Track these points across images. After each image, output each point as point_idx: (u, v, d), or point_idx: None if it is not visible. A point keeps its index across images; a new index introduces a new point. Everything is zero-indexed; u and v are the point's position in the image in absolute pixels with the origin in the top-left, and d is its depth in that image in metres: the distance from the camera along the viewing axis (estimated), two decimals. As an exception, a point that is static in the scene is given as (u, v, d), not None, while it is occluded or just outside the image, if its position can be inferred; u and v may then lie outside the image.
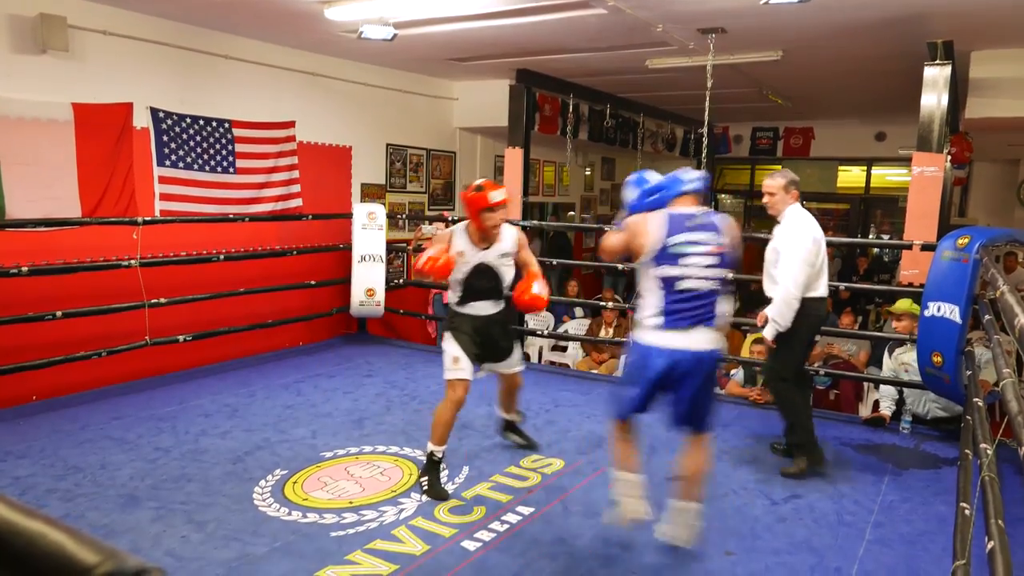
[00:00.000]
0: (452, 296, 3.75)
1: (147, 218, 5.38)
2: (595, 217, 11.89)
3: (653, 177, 3.18)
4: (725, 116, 10.81)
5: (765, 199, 4.16)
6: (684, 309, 2.89)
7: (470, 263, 3.63)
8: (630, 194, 3.20)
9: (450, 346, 3.67)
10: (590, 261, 10.85)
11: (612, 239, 3.15)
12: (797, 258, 3.87)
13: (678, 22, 5.27)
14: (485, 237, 3.63)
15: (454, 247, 3.62)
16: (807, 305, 3.94)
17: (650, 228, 2.93)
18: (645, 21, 5.19)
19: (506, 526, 3.34)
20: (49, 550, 0.66)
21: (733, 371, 5.89)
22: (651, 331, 2.94)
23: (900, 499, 3.77)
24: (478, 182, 3.58)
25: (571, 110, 8.37)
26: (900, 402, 5.03)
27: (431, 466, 3.66)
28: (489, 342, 3.75)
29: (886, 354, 5.14)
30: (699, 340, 2.91)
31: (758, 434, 4.67)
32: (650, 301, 2.95)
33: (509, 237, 3.69)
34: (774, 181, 4.13)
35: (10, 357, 4.73)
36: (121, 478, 3.75)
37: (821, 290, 4.04)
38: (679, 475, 3.12)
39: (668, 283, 2.90)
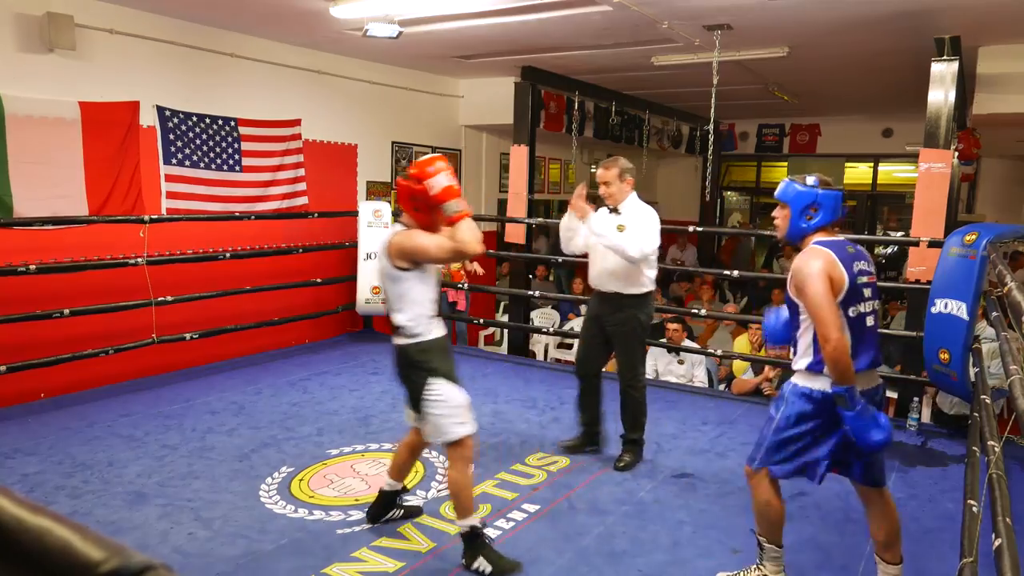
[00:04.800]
0: (424, 324, 3.04)
1: (154, 216, 5.40)
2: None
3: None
4: (731, 113, 10.76)
5: (601, 190, 3.89)
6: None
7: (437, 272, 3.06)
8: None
9: (452, 391, 2.90)
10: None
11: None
12: (654, 230, 3.79)
13: (684, 19, 5.26)
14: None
15: None
16: (648, 300, 3.97)
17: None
18: (650, 18, 5.17)
19: (512, 523, 3.35)
20: (55, 546, 0.67)
21: (744, 371, 5.86)
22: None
23: (907, 496, 3.76)
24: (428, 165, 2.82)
25: (576, 107, 8.35)
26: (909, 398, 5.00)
27: (481, 544, 2.91)
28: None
29: None
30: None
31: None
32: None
33: None
34: (608, 170, 3.84)
35: (18, 355, 4.77)
36: (128, 475, 3.77)
37: (653, 285, 4.00)
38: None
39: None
